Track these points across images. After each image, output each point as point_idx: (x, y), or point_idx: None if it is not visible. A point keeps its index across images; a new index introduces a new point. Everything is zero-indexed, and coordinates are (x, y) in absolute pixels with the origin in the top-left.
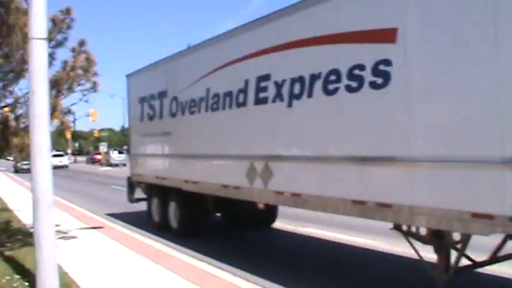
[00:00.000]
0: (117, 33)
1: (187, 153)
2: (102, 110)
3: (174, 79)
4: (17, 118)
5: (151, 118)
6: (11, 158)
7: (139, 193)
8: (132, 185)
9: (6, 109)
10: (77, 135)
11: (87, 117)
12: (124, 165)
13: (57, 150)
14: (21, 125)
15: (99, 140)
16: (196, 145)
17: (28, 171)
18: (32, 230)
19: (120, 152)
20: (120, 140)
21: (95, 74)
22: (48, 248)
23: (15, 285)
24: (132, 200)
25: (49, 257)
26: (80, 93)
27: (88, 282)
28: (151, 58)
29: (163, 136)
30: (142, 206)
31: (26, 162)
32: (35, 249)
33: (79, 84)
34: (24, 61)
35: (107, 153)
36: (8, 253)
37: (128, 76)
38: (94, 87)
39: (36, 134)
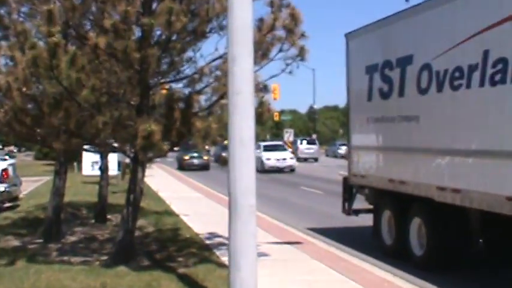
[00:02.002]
0: None
1: (447, 147)
2: (283, 85)
3: (424, 38)
4: (198, 93)
5: (385, 95)
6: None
7: (360, 201)
8: (350, 189)
9: (163, 87)
10: None
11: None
12: (315, 160)
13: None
14: (203, 104)
15: (279, 125)
16: (461, 136)
17: (198, 167)
18: (208, 242)
19: (310, 143)
20: (305, 126)
21: (302, 35)
22: (248, 266)
23: None
24: (349, 211)
25: (249, 279)
26: (281, 62)
27: None
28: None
29: (404, 121)
30: (356, 220)
31: (195, 155)
32: (230, 267)
33: (280, 50)
34: (209, 19)
35: (294, 143)
36: (182, 270)
37: (349, 36)
38: (301, 54)
39: (237, 115)
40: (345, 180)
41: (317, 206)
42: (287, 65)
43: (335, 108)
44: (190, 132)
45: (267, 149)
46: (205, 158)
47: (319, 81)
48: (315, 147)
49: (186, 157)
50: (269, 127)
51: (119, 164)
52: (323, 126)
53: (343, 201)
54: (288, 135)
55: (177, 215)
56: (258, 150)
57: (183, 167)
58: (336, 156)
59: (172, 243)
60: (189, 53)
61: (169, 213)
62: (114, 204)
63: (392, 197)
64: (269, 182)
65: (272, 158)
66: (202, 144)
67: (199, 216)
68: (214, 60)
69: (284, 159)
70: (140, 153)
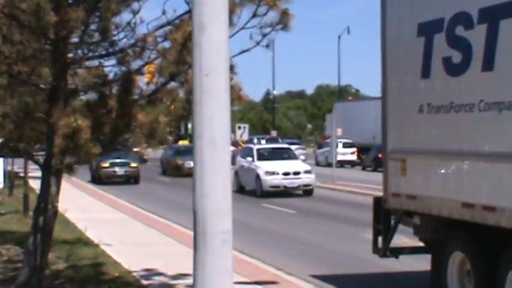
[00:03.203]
0: None
1: None
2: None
3: None
4: (138, 73)
5: (456, 70)
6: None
7: (402, 234)
8: (387, 217)
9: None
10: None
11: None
12: None
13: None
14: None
15: None
16: None
17: (122, 179)
18: (145, 282)
19: (271, 143)
20: (260, 118)
21: None
22: None
23: None
24: (386, 250)
25: None
26: (248, 32)
27: None
28: None
29: (493, 110)
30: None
31: (118, 161)
32: None
33: (255, 15)
34: None
35: (250, 142)
36: None
37: None
38: (284, 21)
39: (206, 106)
40: (379, 202)
41: (293, 231)
42: (263, 35)
43: (301, 94)
44: (129, 127)
45: (265, 156)
46: (134, 165)
47: (279, 58)
48: None
49: (105, 164)
50: None
51: (5, 174)
52: (285, 120)
53: (374, 235)
54: (242, 132)
55: (96, 245)
56: (250, 159)
57: (100, 178)
58: None
59: (95, 284)
60: (125, 16)
61: (85, 242)
62: (3, 230)
63: (470, 230)
64: None
65: (276, 172)
66: (146, 145)
67: (128, 246)
68: (161, 27)
69: (296, 173)
70: (57, 158)
